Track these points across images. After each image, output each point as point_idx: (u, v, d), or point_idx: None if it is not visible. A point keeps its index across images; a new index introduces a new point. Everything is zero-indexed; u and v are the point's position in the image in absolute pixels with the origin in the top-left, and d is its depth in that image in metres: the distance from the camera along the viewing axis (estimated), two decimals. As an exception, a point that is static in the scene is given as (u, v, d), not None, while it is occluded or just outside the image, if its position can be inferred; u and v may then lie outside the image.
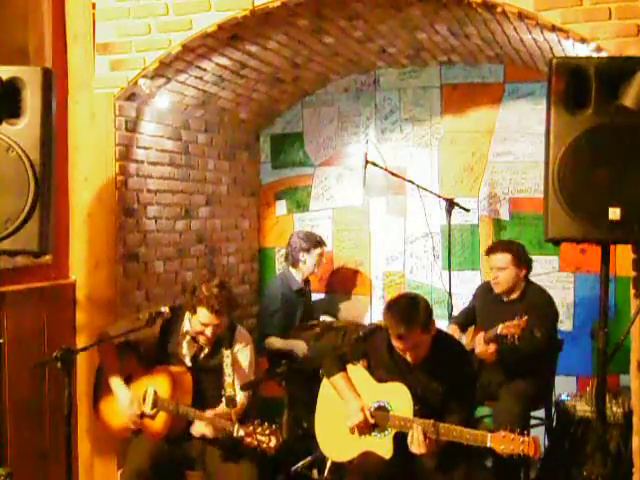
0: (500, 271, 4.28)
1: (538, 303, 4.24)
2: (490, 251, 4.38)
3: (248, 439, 3.24)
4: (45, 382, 3.87)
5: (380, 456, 3.38)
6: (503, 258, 4.27)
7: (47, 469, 3.91)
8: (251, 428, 3.25)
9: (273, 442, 3.20)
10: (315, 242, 5.00)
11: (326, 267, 5.50)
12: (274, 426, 3.25)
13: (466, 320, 4.56)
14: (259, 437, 3.22)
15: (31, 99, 3.00)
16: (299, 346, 4.74)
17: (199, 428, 3.46)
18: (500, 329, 3.99)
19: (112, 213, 4.03)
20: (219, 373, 3.59)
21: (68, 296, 4.05)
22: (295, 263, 5.03)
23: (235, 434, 3.29)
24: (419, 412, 3.31)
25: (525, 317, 3.93)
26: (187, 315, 3.65)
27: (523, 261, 4.31)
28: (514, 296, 4.31)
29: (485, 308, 4.45)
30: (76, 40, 4.05)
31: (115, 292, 4.04)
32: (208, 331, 3.55)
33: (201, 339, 3.61)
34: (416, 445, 3.24)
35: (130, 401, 3.55)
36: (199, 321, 3.54)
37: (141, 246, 4.26)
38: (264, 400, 4.69)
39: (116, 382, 3.61)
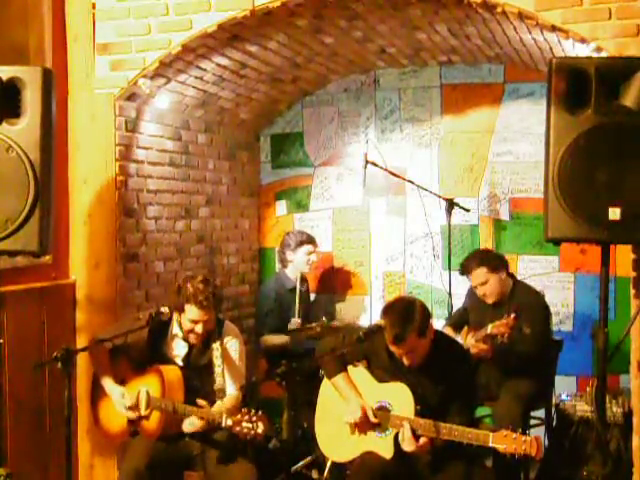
0: (484, 285, 4.27)
1: (527, 301, 4.24)
2: (465, 271, 4.36)
3: (237, 428, 3.25)
4: (45, 382, 3.87)
5: (381, 456, 3.38)
6: (480, 273, 4.26)
7: (47, 469, 3.91)
8: (238, 416, 3.26)
9: (261, 428, 3.22)
10: (300, 240, 4.99)
11: (326, 267, 5.51)
12: (260, 412, 3.26)
13: (460, 321, 4.57)
14: (246, 424, 3.23)
15: (31, 99, 3.00)
16: (295, 340, 4.75)
17: (190, 423, 3.44)
18: (490, 329, 4.02)
19: (112, 213, 4.03)
20: (211, 369, 3.60)
21: (68, 296, 4.05)
22: (284, 263, 5.05)
23: (223, 424, 3.30)
24: (420, 412, 3.32)
25: (513, 315, 3.95)
26: (175, 317, 3.65)
27: (498, 265, 4.28)
28: (504, 297, 4.31)
29: (476, 309, 4.45)
30: (76, 40, 4.05)
31: (115, 292, 4.04)
32: (198, 328, 3.56)
33: (192, 337, 3.61)
34: (406, 443, 3.25)
35: (121, 394, 3.55)
36: (188, 319, 3.55)
37: (141, 246, 4.26)
38: (264, 400, 4.68)
39: (107, 382, 3.62)
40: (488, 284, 4.26)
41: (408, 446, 3.25)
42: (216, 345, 3.62)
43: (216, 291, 3.60)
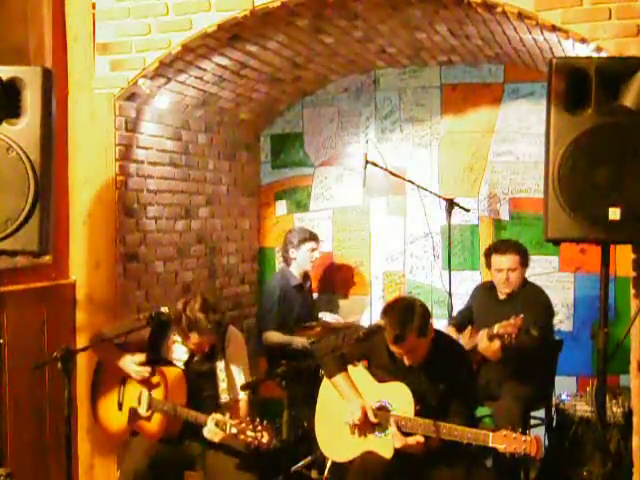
0: (511, 272, 4.28)
1: (534, 301, 4.25)
2: (498, 251, 4.34)
3: (241, 436, 3.26)
4: (45, 382, 3.87)
5: (381, 456, 3.38)
6: (513, 259, 4.28)
7: (47, 469, 3.91)
8: (243, 425, 3.26)
9: (265, 438, 3.21)
10: (303, 238, 5.00)
11: (326, 267, 5.51)
12: (265, 422, 3.26)
13: (463, 321, 4.57)
14: (250, 433, 3.23)
15: (31, 99, 3.00)
16: (297, 341, 4.76)
17: (210, 430, 3.39)
18: (497, 329, 3.99)
19: (112, 213, 4.03)
20: (213, 376, 3.60)
21: (68, 296, 4.05)
22: (287, 260, 5.06)
23: (227, 431, 3.30)
24: (420, 412, 3.32)
25: (520, 316, 3.93)
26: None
27: (527, 261, 4.34)
28: (512, 295, 4.31)
29: (484, 308, 4.45)
30: (76, 40, 4.05)
31: (115, 292, 4.04)
32: (206, 348, 3.59)
33: (197, 352, 3.63)
34: (395, 440, 3.27)
35: (138, 361, 3.55)
36: (193, 343, 3.56)
37: (141, 246, 4.26)
38: (264, 400, 4.68)
39: (125, 360, 3.58)
40: (515, 272, 4.27)
41: (396, 442, 3.27)
42: (219, 355, 3.62)
43: (216, 316, 3.53)
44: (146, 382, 3.56)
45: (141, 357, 3.57)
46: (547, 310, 4.30)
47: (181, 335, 3.60)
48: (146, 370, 3.53)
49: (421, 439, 3.25)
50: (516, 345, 3.97)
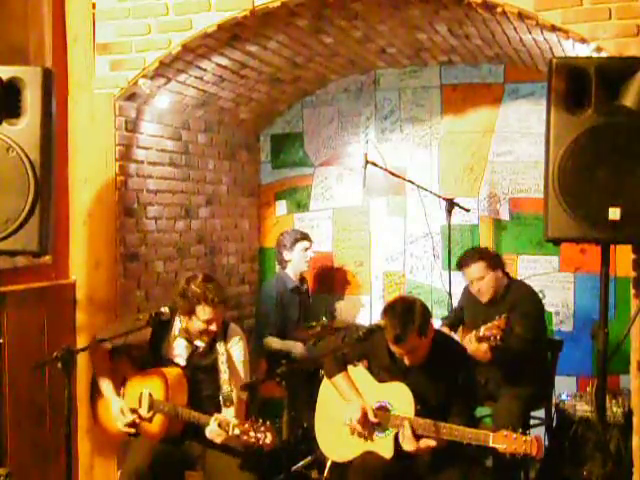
0: (480, 281, 4.25)
1: (520, 299, 4.22)
2: (461, 266, 4.33)
3: (244, 437, 3.25)
4: (45, 382, 3.87)
5: (381, 456, 3.38)
6: (477, 268, 4.23)
7: (47, 469, 3.91)
8: (246, 426, 3.26)
9: (269, 438, 3.21)
10: (295, 238, 5.01)
11: (326, 267, 5.51)
12: (268, 423, 3.26)
13: (456, 320, 4.56)
14: (253, 434, 3.22)
15: (31, 99, 3.00)
16: (296, 348, 4.76)
17: (212, 430, 3.38)
18: (482, 331, 3.98)
19: (112, 213, 4.04)
20: (214, 371, 3.58)
21: (68, 296, 4.05)
22: (282, 263, 5.06)
23: (230, 432, 3.29)
24: (420, 412, 3.32)
25: (503, 317, 3.92)
26: (178, 319, 3.62)
27: (495, 262, 4.28)
28: (498, 295, 4.30)
29: (472, 308, 4.44)
30: (76, 40, 4.06)
31: (115, 292, 4.04)
32: (213, 327, 3.53)
33: (204, 338, 3.59)
34: (406, 442, 3.25)
35: (120, 410, 3.52)
36: (202, 320, 3.52)
37: (141, 246, 4.26)
38: (264, 400, 4.68)
39: (106, 389, 3.60)
40: (484, 280, 4.23)
41: (408, 445, 3.25)
42: (221, 350, 3.60)
43: (221, 286, 3.59)
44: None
45: (122, 405, 3.54)
46: (535, 308, 4.28)
47: (185, 314, 3.55)
48: (130, 430, 3.52)
49: (432, 443, 3.24)
50: (503, 345, 3.97)
